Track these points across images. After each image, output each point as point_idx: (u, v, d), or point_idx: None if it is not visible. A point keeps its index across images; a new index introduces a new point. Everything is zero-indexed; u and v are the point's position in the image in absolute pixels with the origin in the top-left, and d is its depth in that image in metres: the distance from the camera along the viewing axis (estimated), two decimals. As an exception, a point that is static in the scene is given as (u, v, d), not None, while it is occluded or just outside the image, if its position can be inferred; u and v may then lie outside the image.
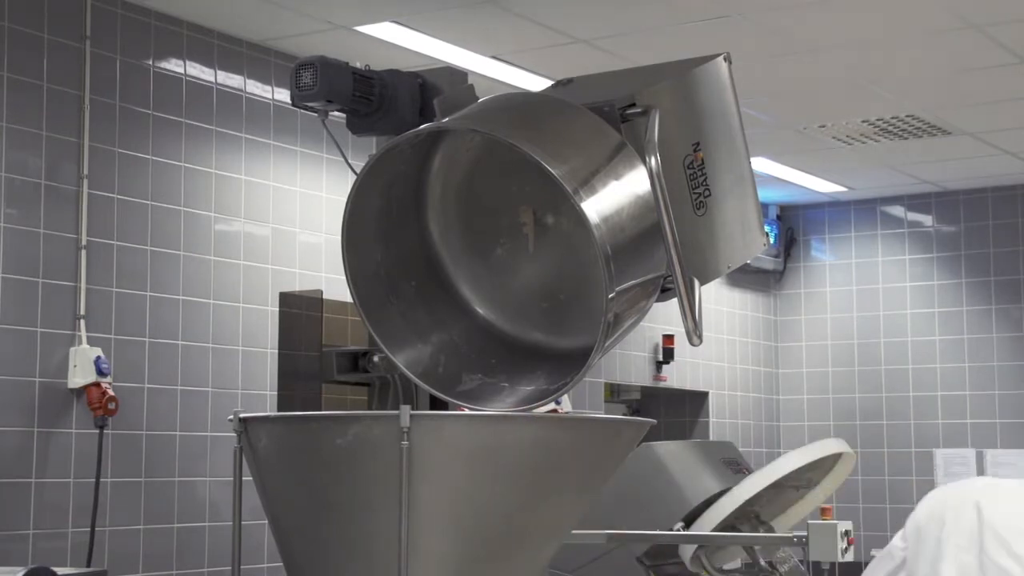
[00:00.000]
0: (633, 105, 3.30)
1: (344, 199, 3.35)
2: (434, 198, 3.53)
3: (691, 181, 3.44)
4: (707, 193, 3.47)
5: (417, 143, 3.38)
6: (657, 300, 3.37)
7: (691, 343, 3.26)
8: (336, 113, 3.75)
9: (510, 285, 3.57)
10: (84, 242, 5.47)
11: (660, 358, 9.31)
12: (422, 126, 3.34)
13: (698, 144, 3.47)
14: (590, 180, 3.14)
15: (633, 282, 3.20)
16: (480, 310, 3.59)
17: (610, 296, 3.09)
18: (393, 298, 3.49)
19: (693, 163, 3.44)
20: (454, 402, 3.42)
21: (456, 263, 3.61)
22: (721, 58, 3.66)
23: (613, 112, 3.30)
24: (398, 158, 3.36)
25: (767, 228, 10.00)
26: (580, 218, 3.07)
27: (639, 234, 3.22)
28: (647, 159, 3.20)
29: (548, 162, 3.08)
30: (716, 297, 9.80)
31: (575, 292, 3.46)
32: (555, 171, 3.06)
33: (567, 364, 3.36)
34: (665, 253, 3.23)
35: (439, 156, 3.49)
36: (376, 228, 3.45)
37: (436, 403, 3.66)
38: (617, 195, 3.20)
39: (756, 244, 3.72)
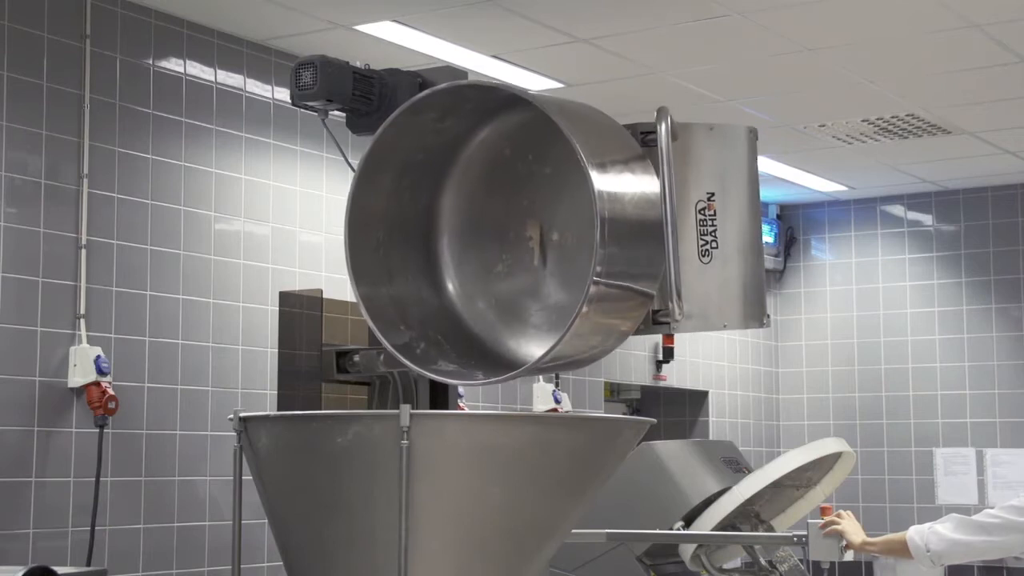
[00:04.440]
0: (652, 132, 3.42)
1: (344, 198, 3.38)
2: (456, 176, 3.61)
3: (700, 227, 3.54)
4: (715, 244, 3.55)
5: (466, 112, 3.49)
6: (648, 332, 3.46)
7: (674, 318, 3.32)
8: (336, 112, 3.76)
9: (498, 293, 3.62)
10: (84, 241, 5.47)
11: (660, 357, 9.31)
12: (484, 80, 3.48)
13: (713, 195, 3.56)
14: (605, 164, 3.27)
15: (622, 270, 3.24)
16: (466, 318, 3.64)
17: (600, 254, 3.15)
18: (386, 282, 3.55)
19: (705, 211, 3.55)
20: (431, 376, 3.44)
21: (454, 262, 3.65)
22: (748, 129, 3.74)
23: (635, 133, 3.47)
24: (439, 110, 3.46)
25: (767, 227, 10.05)
26: (587, 191, 3.17)
27: (637, 222, 3.30)
28: (658, 126, 3.36)
29: (573, 134, 3.19)
30: (716, 296, 9.78)
31: (559, 314, 3.51)
32: (575, 140, 3.18)
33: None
34: (660, 261, 3.29)
35: (483, 134, 3.58)
36: (389, 182, 3.52)
37: (436, 403, 3.67)
38: (625, 183, 3.31)
39: (756, 318, 3.72)
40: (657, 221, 3.31)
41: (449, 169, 3.64)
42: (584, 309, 3.17)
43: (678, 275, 3.30)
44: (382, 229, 3.55)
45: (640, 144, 3.45)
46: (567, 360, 3.41)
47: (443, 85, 3.46)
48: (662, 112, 3.41)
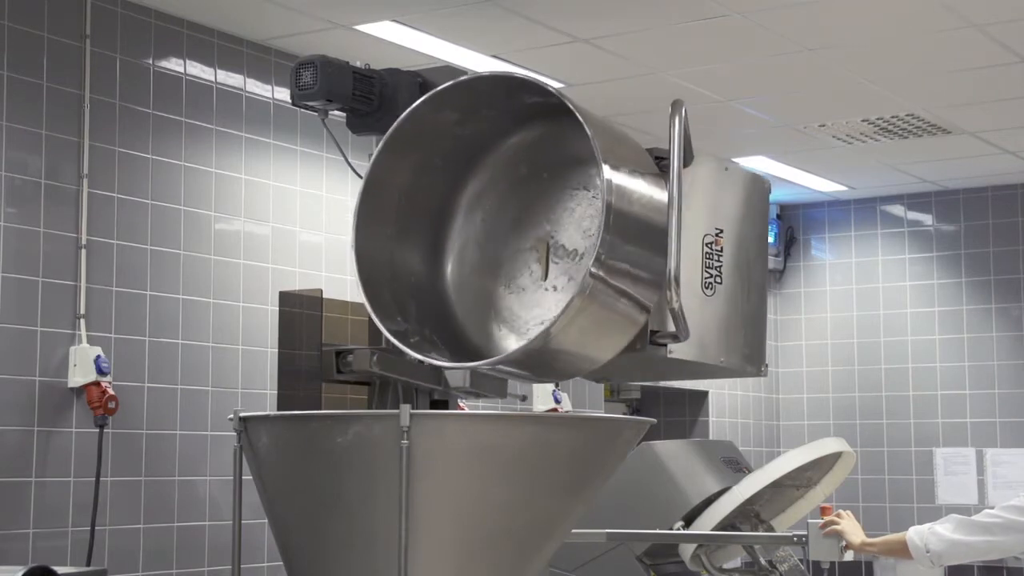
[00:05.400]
0: (666, 158, 3.41)
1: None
2: (471, 185, 3.63)
3: (706, 259, 3.53)
4: (719, 280, 3.53)
5: (485, 119, 3.53)
6: (643, 369, 3.46)
7: (671, 305, 3.28)
8: (336, 112, 3.76)
9: (498, 303, 3.63)
10: (84, 241, 5.47)
11: (660, 357, 9.30)
12: (503, 72, 3.47)
13: (722, 231, 3.57)
14: (619, 165, 3.27)
15: (624, 266, 3.23)
16: (465, 324, 3.65)
17: (603, 240, 3.15)
18: (388, 278, 3.56)
19: (712, 245, 3.54)
20: (427, 361, 3.44)
21: (458, 268, 3.67)
22: (762, 178, 3.76)
23: (651, 157, 3.47)
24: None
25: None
26: (597, 183, 3.19)
27: (643, 222, 3.31)
28: (672, 118, 3.36)
29: (592, 132, 3.21)
30: (716, 296, 9.78)
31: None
32: (591, 130, 3.21)
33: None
34: (660, 270, 3.29)
35: (501, 145, 3.61)
36: (406, 180, 3.54)
37: (436, 403, 3.67)
38: (636, 185, 3.31)
39: (754, 364, 3.71)
40: (662, 228, 3.29)
41: (466, 176, 3.65)
42: (590, 272, 3.16)
43: (678, 264, 3.27)
44: (392, 226, 3.55)
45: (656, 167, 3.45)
46: (554, 361, 3.39)
47: (462, 78, 3.46)
48: (677, 105, 3.39)
